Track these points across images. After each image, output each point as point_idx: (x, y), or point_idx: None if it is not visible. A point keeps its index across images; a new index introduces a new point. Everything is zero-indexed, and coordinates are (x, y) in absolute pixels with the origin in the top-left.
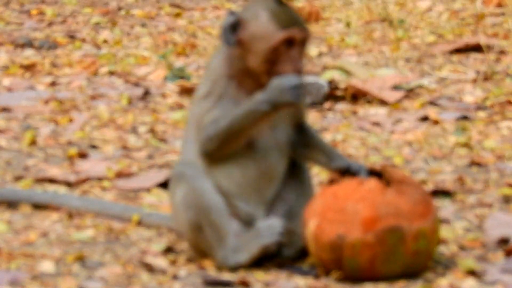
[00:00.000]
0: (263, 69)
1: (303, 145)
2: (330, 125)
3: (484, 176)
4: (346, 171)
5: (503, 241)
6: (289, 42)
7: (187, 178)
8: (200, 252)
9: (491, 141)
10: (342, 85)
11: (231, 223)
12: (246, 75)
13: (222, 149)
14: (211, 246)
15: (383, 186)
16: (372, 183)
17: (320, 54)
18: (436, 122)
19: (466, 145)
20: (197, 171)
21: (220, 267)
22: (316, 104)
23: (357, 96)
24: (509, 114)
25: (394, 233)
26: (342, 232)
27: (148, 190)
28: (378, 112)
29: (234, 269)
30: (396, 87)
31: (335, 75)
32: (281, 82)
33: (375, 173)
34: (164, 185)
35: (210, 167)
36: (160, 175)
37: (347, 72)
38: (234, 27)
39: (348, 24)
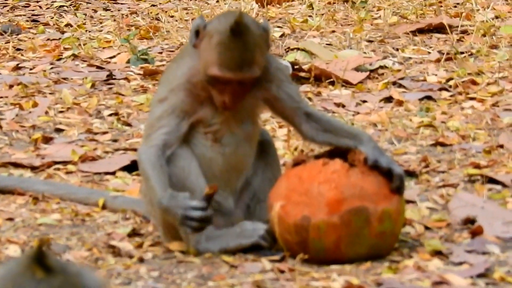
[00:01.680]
0: (205, 86)
1: (323, 131)
2: None
3: (449, 156)
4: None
5: (468, 221)
6: (224, 81)
7: (175, 157)
8: (171, 234)
9: (455, 121)
10: (305, 67)
11: (210, 210)
12: (203, 87)
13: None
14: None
15: (348, 168)
16: (337, 165)
17: (283, 36)
18: (400, 103)
19: (430, 125)
20: (186, 151)
21: (188, 250)
22: None
23: (320, 78)
24: (473, 94)
25: (359, 214)
26: (307, 214)
27: (113, 173)
28: (342, 93)
29: (201, 254)
30: (359, 68)
31: (299, 56)
32: (186, 207)
33: (339, 154)
34: (129, 168)
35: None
36: (125, 159)
37: (311, 54)
38: (197, 33)
39: (310, 6)
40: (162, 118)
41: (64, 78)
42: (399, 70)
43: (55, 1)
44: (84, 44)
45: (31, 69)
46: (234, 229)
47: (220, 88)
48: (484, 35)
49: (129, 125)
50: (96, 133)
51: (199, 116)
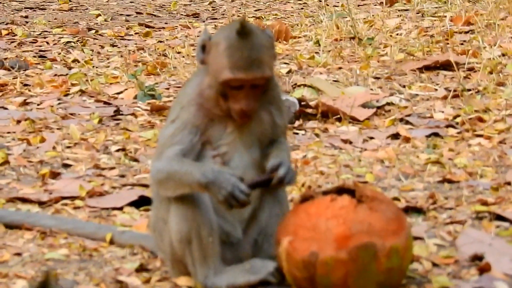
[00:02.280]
0: (218, 99)
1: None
2: (301, 143)
3: (456, 193)
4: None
5: (476, 258)
6: (237, 83)
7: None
8: (179, 269)
9: (463, 158)
10: (312, 103)
11: (218, 245)
12: (214, 103)
13: (162, 186)
14: (195, 262)
15: (356, 203)
16: (345, 201)
17: (290, 72)
18: (407, 139)
19: (438, 162)
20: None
21: (196, 286)
22: (287, 123)
23: (327, 114)
24: (480, 131)
25: (367, 250)
26: (315, 249)
27: (120, 209)
28: (349, 130)
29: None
30: (366, 105)
31: (306, 93)
32: (232, 185)
33: (347, 191)
34: (136, 203)
35: None
36: (133, 194)
37: (318, 90)
38: (203, 48)
39: (317, 42)
40: (175, 135)
41: (72, 114)
42: (406, 107)
43: (62, 37)
44: (91, 80)
45: (38, 105)
46: (243, 265)
47: (234, 95)
48: (491, 73)
49: (136, 160)
50: (103, 169)
51: (209, 134)
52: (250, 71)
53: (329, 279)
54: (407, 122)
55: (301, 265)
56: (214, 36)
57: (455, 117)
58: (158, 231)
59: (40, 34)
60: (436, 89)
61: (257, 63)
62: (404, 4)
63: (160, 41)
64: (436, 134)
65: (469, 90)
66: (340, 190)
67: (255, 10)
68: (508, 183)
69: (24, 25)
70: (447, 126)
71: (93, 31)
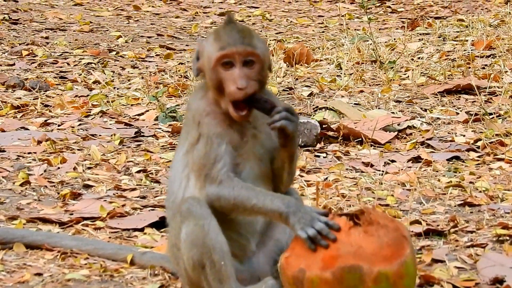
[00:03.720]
0: (217, 94)
1: None
2: (322, 166)
3: (477, 216)
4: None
5: (497, 281)
6: (228, 61)
7: (194, 216)
8: None
9: (484, 181)
10: (334, 126)
11: (232, 267)
12: (220, 107)
13: (224, 210)
14: (211, 286)
15: (351, 226)
16: (341, 222)
17: (312, 95)
18: (428, 163)
19: (459, 185)
20: (205, 209)
21: None
22: (308, 145)
23: (349, 137)
24: (501, 155)
25: (353, 272)
26: (303, 266)
27: (141, 230)
28: (370, 153)
29: None
30: (387, 128)
31: (327, 115)
32: (316, 220)
33: (355, 215)
34: (157, 224)
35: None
36: (153, 215)
37: (339, 113)
38: (198, 57)
39: (339, 65)
40: (209, 152)
41: (93, 135)
42: (427, 130)
43: (82, 58)
44: (112, 101)
45: (59, 125)
46: (259, 285)
47: (227, 77)
48: None
49: (157, 182)
50: (124, 190)
51: (230, 142)
52: (240, 44)
53: None
54: (428, 146)
55: (292, 280)
56: (204, 40)
57: (476, 141)
58: (174, 256)
59: (60, 55)
60: (457, 113)
61: (247, 38)
62: (426, 28)
63: (181, 63)
64: (457, 158)
65: (490, 114)
66: (356, 215)
67: (277, 33)
68: None
69: (45, 46)
70: (468, 150)
71: (114, 53)
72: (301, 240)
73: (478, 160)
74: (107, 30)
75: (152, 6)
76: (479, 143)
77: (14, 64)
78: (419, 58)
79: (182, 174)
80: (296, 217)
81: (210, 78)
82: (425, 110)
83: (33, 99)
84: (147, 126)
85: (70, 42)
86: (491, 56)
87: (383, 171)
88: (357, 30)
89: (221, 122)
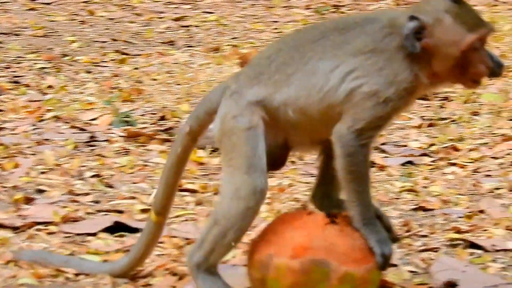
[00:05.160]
0: (452, 73)
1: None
2: (278, 170)
3: (430, 221)
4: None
5: (449, 285)
6: (478, 43)
7: (252, 194)
8: None
9: (437, 186)
10: None
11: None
12: (420, 90)
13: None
14: (203, 244)
15: (328, 222)
16: (319, 217)
17: None
18: (382, 168)
19: (412, 190)
20: (263, 197)
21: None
22: None
23: None
24: (454, 160)
25: (320, 267)
26: (272, 252)
27: (94, 235)
28: None
29: (190, 269)
30: None
31: None
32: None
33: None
34: (111, 229)
35: None
36: (107, 220)
37: None
38: (418, 32)
39: None
40: (381, 119)
41: (46, 139)
42: (381, 136)
43: (36, 63)
44: (66, 106)
45: (12, 130)
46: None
47: (474, 58)
48: (465, 102)
49: (111, 186)
50: (78, 194)
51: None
52: (487, 25)
53: (278, 284)
54: (382, 151)
55: (258, 264)
56: (425, 18)
57: (430, 146)
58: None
59: (14, 59)
60: (411, 118)
61: (484, 19)
62: None
63: (136, 68)
64: (410, 163)
65: (444, 119)
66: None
67: (231, 38)
68: (482, 211)
69: None
70: (422, 155)
71: (68, 57)
72: (275, 228)
73: (431, 165)
74: (61, 35)
75: (107, 11)
76: (432, 148)
77: None
78: None
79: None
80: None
81: (451, 58)
82: None
83: None
84: (101, 131)
85: (23, 47)
86: None
87: None
88: None
89: (411, 100)
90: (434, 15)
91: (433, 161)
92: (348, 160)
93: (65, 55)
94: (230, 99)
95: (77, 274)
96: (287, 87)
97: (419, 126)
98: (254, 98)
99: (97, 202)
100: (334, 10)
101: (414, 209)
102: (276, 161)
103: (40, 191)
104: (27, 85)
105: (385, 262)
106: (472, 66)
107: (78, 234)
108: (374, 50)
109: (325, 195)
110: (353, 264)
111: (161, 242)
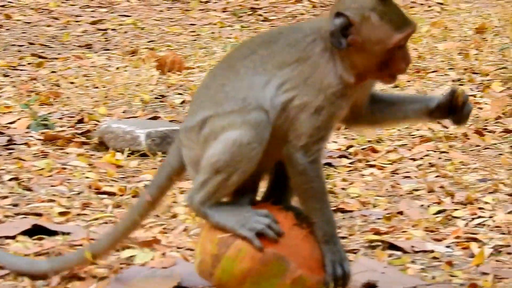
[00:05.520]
0: (375, 70)
1: (385, 106)
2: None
3: (349, 222)
4: (452, 96)
5: (369, 286)
6: (403, 41)
7: (257, 132)
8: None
9: (356, 188)
10: None
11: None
12: (351, 90)
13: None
14: (205, 185)
15: (294, 223)
16: (288, 217)
17: (184, 103)
18: None
19: (331, 192)
20: (267, 135)
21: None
22: None
23: None
24: (373, 162)
25: (280, 263)
26: None
27: (13, 237)
28: None
29: (195, 209)
30: None
31: None
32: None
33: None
34: (29, 232)
35: None
36: (26, 223)
37: None
38: (344, 29)
39: None
40: (321, 129)
41: None
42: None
43: None
44: None
45: None
46: (241, 212)
47: (396, 55)
48: None
49: (29, 189)
50: None
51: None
52: (412, 24)
53: (232, 266)
54: None
55: (218, 240)
56: (351, 15)
57: (348, 148)
58: (204, 139)
59: None
60: None
61: (410, 17)
62: None
63: (53, 72)
64: (329, 164)
65: None
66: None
67: (148, 41)
68: (401, 213)
69: None
70: (340, 157)
71: None
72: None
73: (350, 167)
74: None
75: (24, 15)
76: (351, 150)
77: None
78: None
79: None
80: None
81: (376, 56)
82: None
83: None
84: (19, 134)
85: None
86: None
87: None
88: (229, 38)
89: (344, 103)
90: (360, 12)
91: (351, 163)
92: (301, 179)
93: None
94: (186, 139)
95: None
96: (229, 101)
97: (338, 128)
98: (200, 118)
99: (15, 205)
100: (251, 12)
101: (333, 211)
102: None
103: None
104: None
105: (335, 283)
106: (394, 63)
107: None
108: (298, 59)
109: (277, 201)
110: (308, 271)
111: (80, 245)
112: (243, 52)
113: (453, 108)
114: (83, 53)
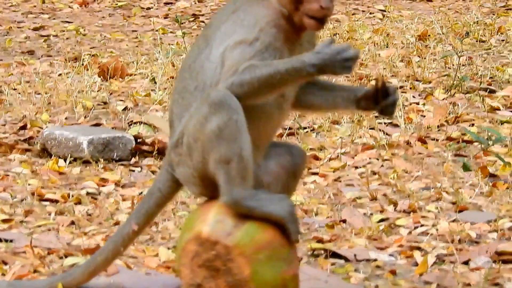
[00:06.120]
0: (292, 9)
1: (318, 92)
2: (137, 180)
3: None
4: (379, 90)
5: None
6: None
7: (228, 109)
8: (205, 185)
9: (298, 195)
10: (148, 140)
11: (253, 165)
12: (287, 24)
13: (248, 98)
14: (231, 180)
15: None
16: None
17: (126, 109)
18: None
19: None
20: (237, 103)
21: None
22: (123, 159)
23: (163, 151)
24: (315, 169)
25: (291, 252)
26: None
27: None
28: None
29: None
30: None
31: (142, 130)
32: (337, 51)
33: None
34: None
35: None
36: None
37: (154, 127)
38: None
39: (153, 80)
40: (255, 57)
41: None
42: None
43: None
44: None
45: None
46: (271, 195)
47: None
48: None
49: None
50: None
51: (280, 55)
52: None
53: (255, 232)
54: None
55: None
56: None
57: None
58: (187, 148)
59: None
60: None
61: None
62: None
63: None
64: None
65: (304, 128)
66: None
67: (91, 48)
68: (344, 221)
69: None
70: None
71: None
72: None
73: None
74: None
75: None
76: None
77: None
78: None
79: (218, 64)
80: (327, 62)
81: None
82: None
83: None
84: None
85: None
86: None
87: None
88: (171, 44)
89: (281, 35)
90: None
91: None
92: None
93: None
94: (175, 157)
95: None
96: (192, 96)
97: (280, 135)
98: (178, 129)
99: None
100: (193, 19)
101: None
102: None
103: None
104: None
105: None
106: (305, 3)
107: None
108: (232, 12)
109: None
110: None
111: (23, 252)
112: (190, 52)
113: (379, 99)
114: (25, 59)
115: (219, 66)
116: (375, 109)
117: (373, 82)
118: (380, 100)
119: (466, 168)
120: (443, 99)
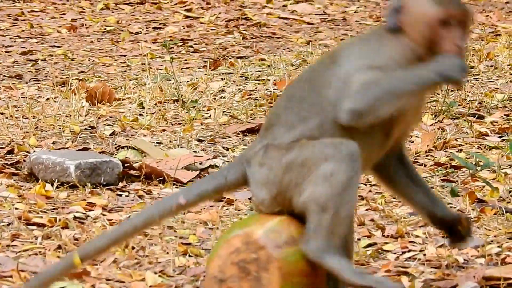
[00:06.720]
0: (424, 50)
1: (405, 177)
2: (124, 205)
3: None
4: (453, 222)
5: None
6: (447, 21)
7: (351, 165)
8: (277, 203)
9: None
10: (136, 165)
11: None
12: (417, 60)
13: (372, 111)
14: (319, 229)
15: None
16: None
17: (114, 134)
18: (230, 202)
19: None
20: (359, 163)
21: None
22: (111, 184)
23: (151, 176)
24: None
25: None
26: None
27: None
28: (172, 192)
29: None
30: (189, 167)
31: (129, 155)
32: (451, 59)
33: None
34: None
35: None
36: None
37: (141, 152)
38: (397, 11)
39: (141, 104)
40: (374, 85)
41: None
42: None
43: None
44: None
45: None
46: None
47: (443, 37)
48: None
49: None
50: None
51: None
52: (459, 6)
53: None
54: None
55: None
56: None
57: None
58: (289, 162)
59: None
60: None
61: (460, 1)
62: (228, 67)
63: None
64: None
65: None
66: None
67: (79, 72)
68: None
69: None
70: None
71: None
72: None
73: None
74: None
75: None
76: None
77: None
78: (221, 97)
79: (344, 81)
80: (448, 72)
81: (423, 33)
82: (227, 149)
83: None
84: None
85: None
86: None
87: (185, 210)
88: (159, 69)
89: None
90: None
91: None
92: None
93: None
94: (264, 157)
95: None
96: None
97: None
98: (288, 139)
99: None
100: (182, 44)
101: None
102: None
103: None
104: None
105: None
106: (442, 43)
107: None
108: (366, 39)
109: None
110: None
111: (9, 276)
112: (308, 71)
113: (454, 231)
114: (13, 83)
115: (344, 84)
116: (447, 234)
117: (459, 213)
118: (454, 232)
119: (454, 193)
120: (431, 124)
